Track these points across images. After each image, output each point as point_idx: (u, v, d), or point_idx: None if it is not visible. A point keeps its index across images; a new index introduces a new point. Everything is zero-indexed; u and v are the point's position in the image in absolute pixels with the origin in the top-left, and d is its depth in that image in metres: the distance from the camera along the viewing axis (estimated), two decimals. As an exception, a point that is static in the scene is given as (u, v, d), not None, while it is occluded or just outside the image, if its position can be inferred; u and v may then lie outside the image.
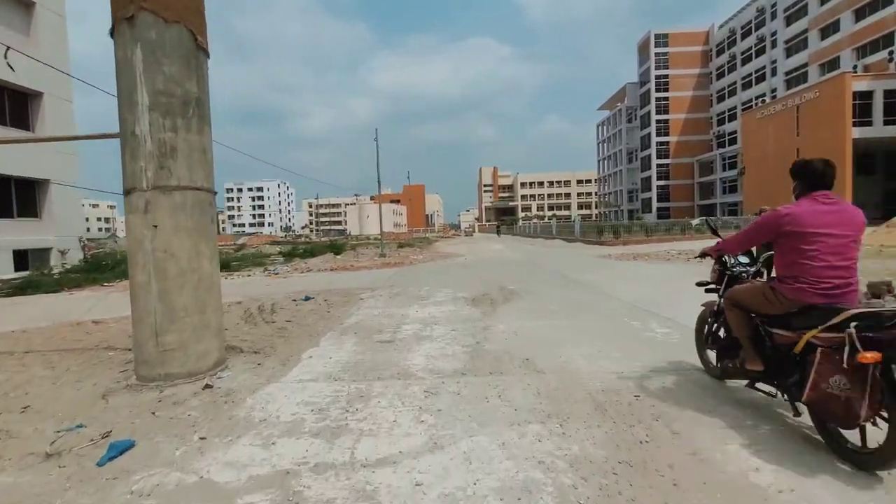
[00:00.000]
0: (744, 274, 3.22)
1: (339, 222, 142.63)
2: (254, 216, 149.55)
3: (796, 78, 46.22)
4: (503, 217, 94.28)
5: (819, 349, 2.19)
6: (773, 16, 51.61)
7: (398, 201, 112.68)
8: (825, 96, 32.53)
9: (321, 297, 8.25)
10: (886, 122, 30.94)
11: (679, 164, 66.89)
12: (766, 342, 2.66)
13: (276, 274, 13.65)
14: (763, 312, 2.67)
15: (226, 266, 16.46)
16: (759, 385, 2.82)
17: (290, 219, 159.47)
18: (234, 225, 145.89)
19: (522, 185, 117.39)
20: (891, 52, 34.86)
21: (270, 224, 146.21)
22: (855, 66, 35.60)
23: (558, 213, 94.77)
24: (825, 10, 41.81)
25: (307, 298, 7.90)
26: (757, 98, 55.81)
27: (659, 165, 67.45)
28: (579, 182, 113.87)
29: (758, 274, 3.27)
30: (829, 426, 2.30)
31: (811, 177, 2.58)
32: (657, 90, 66.68)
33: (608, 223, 23.97)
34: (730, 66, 61.56)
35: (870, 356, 1.94)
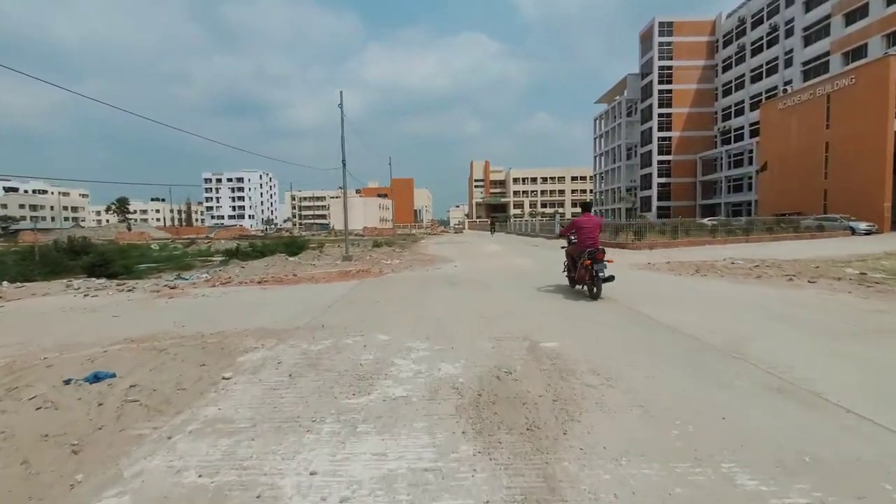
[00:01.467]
0: (571, 238, 8.23)
1: (323, 216, 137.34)
2: (234, 208, 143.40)
3: (815, 68, 42.71)
4: (495, 214, 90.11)
5: (581, 262, 7.46)
6: (790, 2, 48.05)
7: (385, 195, 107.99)
8: (863, 83, 28.83)
9: (139, 368, 3.91)
10: (932, 114, 27.39)
11: (681, 160, 63.42)
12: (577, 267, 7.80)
13: (174, 288, 9.27)
14: (574, 255, 7.86)
15: (128, 272, 12.05)
16: (579, 287, 8.08)
17: (272, 211, 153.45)
18: (213, 217, 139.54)
19: (515, 180, 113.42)
20: (930, 38, 31.37)
21: (251, 217, 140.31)
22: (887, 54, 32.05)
23: (553, 210, 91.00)
24: (852, -7, 38.27)
25: (96, 378, 3.53)
26: (767, 92, 52.37)
27: (660, 162, 63.90)
28: (574, 179, 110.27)
29: (570, 242, 8.27)
30: (580, 287, 8.03)
31: (584, 208, 8.14)
32: (660, 82, 62.99)
33: (628, 222, 19.84)
34: (738, 58, 58.06)
35: (588, 262, 7.31)
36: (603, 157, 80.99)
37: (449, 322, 5.62)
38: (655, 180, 64.05)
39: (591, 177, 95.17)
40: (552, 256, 15.00)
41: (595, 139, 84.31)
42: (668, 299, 6.89)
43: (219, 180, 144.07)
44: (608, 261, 7.17)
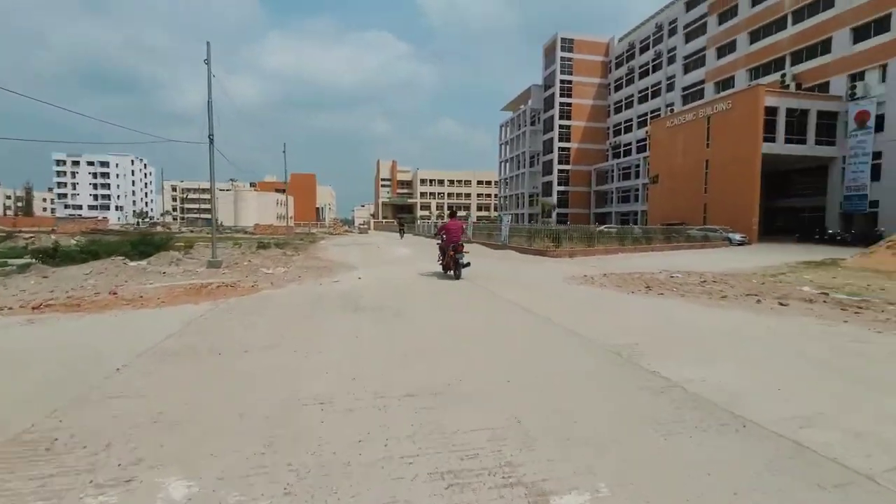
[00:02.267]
0: (442, 237, 10.89)
1: (210, 210, 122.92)
2: (95, 197, 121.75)
3: (693, 94, 47.51)
4: (402, 214, 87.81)
5: (448, 253, 10.51)
6: (672, 32, 53.12)
7: (284, 191, 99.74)
8: (737, 109, 32.03)
9: None
10: (787, 140, 31.28)
11: (578, 171, 67.24)
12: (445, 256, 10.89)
13: None
14: (444, 248, 10.75)
15: None
16: (449, 272, 10.63)
17: (146, 203, 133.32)
18: (67, 207, 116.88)
19: (423, 181, 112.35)
20: (783, 76, 36.11)
21: (119, 208, 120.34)
22: (782, 76, 36.22)
23: (459, 213, 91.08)
24: (722, 30, 43.08)
25: None
26: (652, 112, 57.48)
27: (560, 171, 67.09)
28: (479, 183, 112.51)
29: (441, 239, 11.02)
30: (450, 272, 10.59)
31: (451, 215, 11.67)
32: (561, 95, 66.17)
33: (546, 227, 18.93)
34: (628, 79, 63.09)
35: (451, 252, 10.41)
36: (508, 164, 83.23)
37: (338, 420, 3.01)
38: (556, 188, 67.07)
39: (496, 181, 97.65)
40: (479, 266, 13.15)
41: (501, 145, 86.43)
42: (686, 346, 4.81)
43: (76, 163, 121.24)
44: (466, 251, 10.83)
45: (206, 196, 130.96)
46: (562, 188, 67.18)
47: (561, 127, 66.56)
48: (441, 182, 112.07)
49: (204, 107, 13.36)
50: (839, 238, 28.91)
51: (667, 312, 6.35)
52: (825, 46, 33.72)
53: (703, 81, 45.79)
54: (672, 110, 49.16)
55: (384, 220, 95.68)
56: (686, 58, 48.90)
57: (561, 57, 65.69)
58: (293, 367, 4.07)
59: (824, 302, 6.78)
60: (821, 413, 3.05)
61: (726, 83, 42.71)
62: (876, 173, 30.11)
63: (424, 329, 5.44)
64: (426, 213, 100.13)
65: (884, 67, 29.85)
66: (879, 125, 29.78)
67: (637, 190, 56.45)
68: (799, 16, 35.83)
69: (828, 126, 32.14)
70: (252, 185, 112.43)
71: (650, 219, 40.11)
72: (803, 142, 31.78)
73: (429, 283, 9.83)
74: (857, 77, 31.50)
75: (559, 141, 66.55)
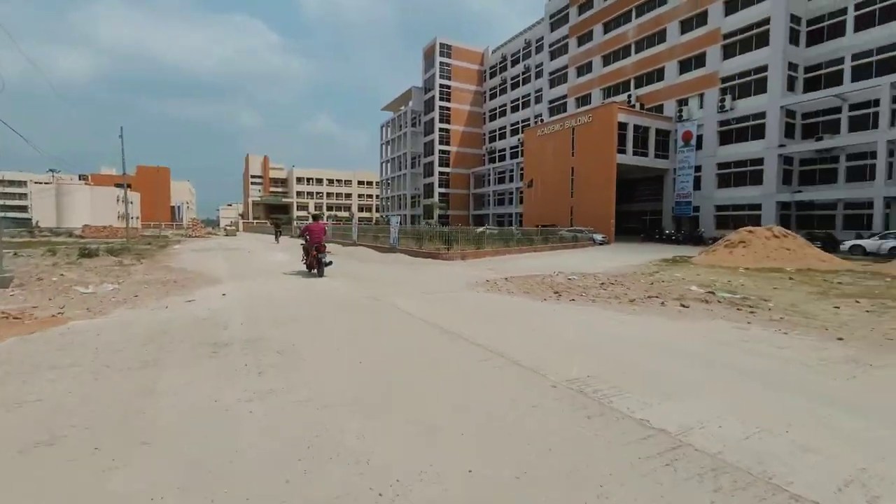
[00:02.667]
0: (306, 238, 11.77)
1: (23, 207, 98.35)
2: None
3: (558, 107, 52.11)
4: (277, 215, 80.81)
5: (311, 253, 11.54)
6: (539, 49, 57.69)
7: (129, 185, 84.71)
8: (596, 122, 35.72)
9: None
10: (634, 153, 35.86)
11: (458, 174, 69.29)
12: (308, 256, 11.89)
13: None
14: (308, 248, 11.76)
15: None
16: (313, 271, 11.72)
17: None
18: None
19: (299, 180, 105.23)
20: (629, 97, 41.48)
21: None
22: (629, 97, 40.99)
23: (339, 214, 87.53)
24: (581, 52, 48.02)
25: None
26: (523, 122, 61.87)
27: (441, 173, 68.36)
28: (361, 183, 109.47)
29: (305, 240, 12.03)
30: (313, 271, 11.67)
31: (314, 218, 12.45)
32: (441, 99, 67.46)
33: (437, 229, 18.36)
34: (501, 89, 66.93)
35: (315, 252, 11.44)
36: (390, 164, 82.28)
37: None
38: (437, 190, 68.14)
39: (377, 182, 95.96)
40: (358, 271, 11.78)
41: (382, 145, 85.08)
42: (639, 372, 4.16)
43: None
44: (328, 252, 11.89)
45: (18, 191, 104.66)
46: (443, 190, 68.51)
47: (441, 130, 67.86)
48: (319, 181, 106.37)
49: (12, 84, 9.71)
50: (674, 238, 34.04)
51: (591, 324, 5.94)
52: (659, 74, 39.59)
53: (566, 96, 50.46)
54: (541, 121, 53.32)
55: (255, 222, 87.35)
56: (551, 74, 53.44)
57: (440, 62, 66.97)
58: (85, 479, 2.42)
59: (719, 302, 7.19)
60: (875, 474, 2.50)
61: (585, 99, 47.68)
62: (697, 184, 36.20)
63: (324, 379, 3.90)
64: (304, 213, 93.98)
65: (702, 96, 36.03)
66: (700, 144, 35.88)
67: (512, 193, 60.07)
68: (640, 46, 41.52)
69: (663, 142, 37.73)
70: (83, 177, 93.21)
71: (525, 220, 42.77)
72: (646, 154, 36.78)
73: (320, 297, 8.30)
74: (683, 102, 37.53)
75: (440, 144, 67.76)
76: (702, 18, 35.98)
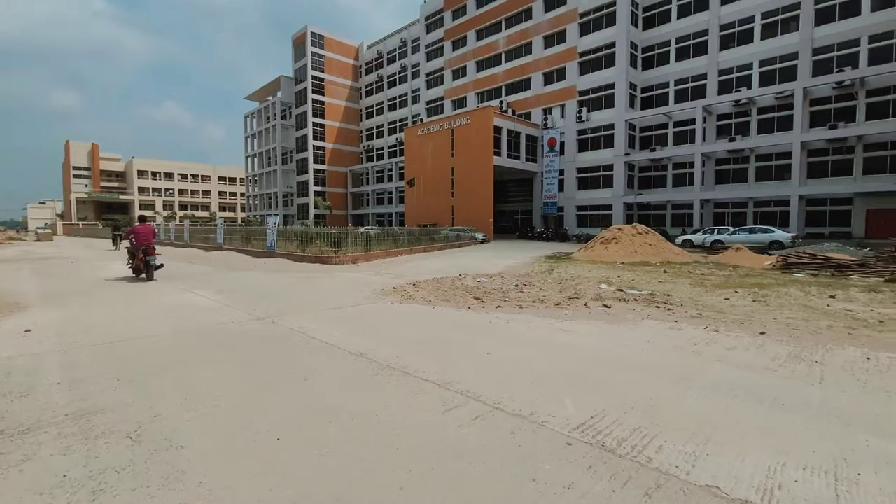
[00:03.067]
0: (132, 241, 11.28)
1: None
2: None
3: (436, 108, 53.01)
4: (112, 216, 67.54)
5: (138, 255, 11.15)
6: (416, 49, 58.02)
7: None
8: (475, 124, 37.02)
9: None
10: (508, 156, 38.12)
11: (335, 171, 66.27)
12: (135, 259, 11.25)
13: None
14: (135, 251, 11.16)
15: None
16: (141, 275, 11.23)
17: None
18: None
19: (141, 173, 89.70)
20: (501, 102, 44.02)
21: None
22: (500, 103, 42.86)
23: (197, 214, 77.12)
24: (456, 56, 49.49)
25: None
26: (400, 120, 61.71)
27: (316, 171, 64.61)
28: (222, 179, 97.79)
29: (131, 242, 11.55)
30: (141, 275, 11.16)
31: (141, 220, 11.78)
32: (314, 91, 63.68)
33: (324, 230, 16.62)
34: (377, 87, 65.80)
35: (142, 255, 10.88)
36: (257, 159, 75.03)
37: None
38: (312, 188, 64.24)
39: (242, 179, 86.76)
40: (257, 285, 9.86)
41: (247, 138, 77.15)
42: (636, 404, 3.44)
43: None
44: (158, 254, 11.39)
45: None
46: (318, 188, 64.83)
47: (315, 125, 64.08)
48: (170, 176, 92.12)
49: None
50: (545, 235, 37.04)
51: (542, 340, 5.24)
52: (527, 84, 42.77)
53: (443, 98, 51.55)
54: (419, 120, 53.68)
55: (83, 223, 72.02)
56: (428, 75, 54.14)
57: (312, 52, 63.11)
58: None
59: (635, 300, 7.42)
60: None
61: (461, 102, 49.28)
62: (561, 186, 40.00)
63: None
64: (150, 213, 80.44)
65: (563, 106, 39.86)
66: (563, 149, 39.66)
67: (391, 193, 59.46)
68: (509, 56, 44.32)
69: (533, 147, 40.84)
70: None
71: (407, 220, 42.51)
72: (518, 158, 39.37)
73: (193, 325, 6.10)
74: (548, 111, 41.09)
75: (314, 139, 63.93)
76: (561, 36, 39.79)
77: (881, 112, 26.98)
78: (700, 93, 33.92)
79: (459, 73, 49.44)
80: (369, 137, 67.79)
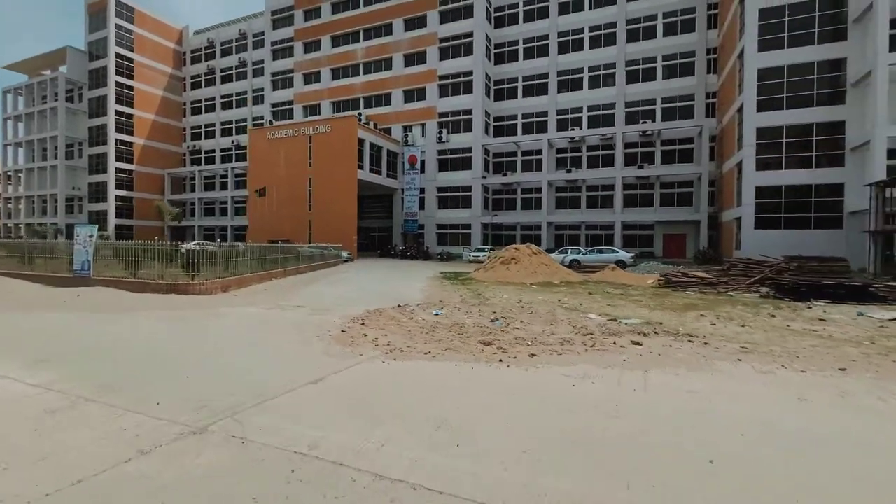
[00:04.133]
0: None
1: None
2: None
3: (283, 111, 48.08)
4: None
5: None
6: (259, 45, 52.04)
7: None
8: (336, 133, 34.40)
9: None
10: (371, 170, 36.53)
11: (147, 173, 54.42)
12: None
13: None
14: None
15: None
16: None
17: None
18: None
19: None
20: (360, 114, 42.23)
21: None
22: (359, 115, 40.30)
23: None
24: (308, 59, 45.89)
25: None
26: (237, 121, 54.35)
27: (120, 170, 51.99)
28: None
29: None
30: None
31: None
32: (119, 73, 51.46)
33: (162, 247, 12.20)
34: (207, 79, 56.89)
35: None
36: (22, 150, 56.58)
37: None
38: (113, 192, 51.44)
39: (-6, 174, 64.23)
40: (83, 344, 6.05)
41: (6, 120, 57.68)
42: None
43: None
44: None
45: None
46: (122, 192, 52.21)
47: (120, 114, 51.68)
48: None
49: None
50: (409, 254, 36.35)
51: (697, 412, 3.84)
52: (387, 99, 42.07)
53: (292, 102, 47.13)
54: (263, 123, 47.98)
55: None
56: (275, 74, 48.98)
57: (118, 24, 51.08)
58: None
59: (655, 333, 6.65)
60: None
61: (314, 109, 45.75)
62: (422, 204, 40.11)
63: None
64: None
65: (423, 125, 40.28)
66: (423, 168, 39.90)
67: (226, 203, 51.46)
68: (368, 68, 43.06)
69: (393, 163, 40.08)
70: None
71: (251, 235, 36.94)
72: (380, 173, 38.07)
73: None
74: (408, 129, 41.00)
75: (117, 132, 51.41)
76: (422, 57, 40.39)
77: (671, 158, 34.34)
78: (542, 127, 38.18)
79: (312, 77, 45.95)
80: (196, 137, 57.82)
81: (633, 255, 25.71)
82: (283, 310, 8.71)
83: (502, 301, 9.98)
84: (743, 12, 25.22)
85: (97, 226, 12.95)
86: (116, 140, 51.27)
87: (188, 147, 57.95)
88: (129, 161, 52.75)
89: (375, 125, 39.51)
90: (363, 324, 7.04)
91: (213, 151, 56.00)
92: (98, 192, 52.48)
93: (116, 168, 51.46)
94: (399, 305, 8.88)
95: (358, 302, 9.57)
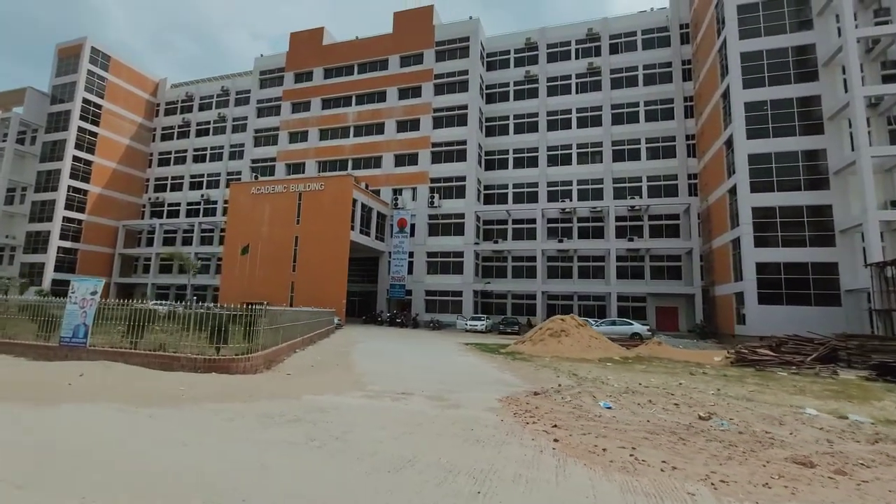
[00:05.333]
0: None
1: None
2: None
3: (264, 168, 46.42)
4: None
5: None
6: (243, 102, 51.28)
7: None
8: (330, 191, 33.00)
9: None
10: (361, 231, 34.96)
11: (100, 224, 49.62)
12: None
13: None
14: None
15: None
16: None
17: None
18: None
19: None
20: (348, 176, 41.36)
21: None
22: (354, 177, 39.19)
23: None
24: (296, 119, 45.39)
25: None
26: (210, 175, 51.83)
27: (68, 219, 47.04)
28: None
29: None
30: None
31: None
32: (84, 118, 48.34)
33: (171, 307, 9.77)
34: (181, 132, 54.75)
35: None
36: (-49, 192, 50.27)
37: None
38: (56, 242, 46.07)
39: None
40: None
41: (-63, 159, 51.63)
42: None
43: None
44: None
45: None
46: (67, 244, 46.86)
47: (78, 160, 47.80)
48: None
49: None
50: (399, 321, 34.03)
51: None
52: (377, 162, 41.71)
53: (274, 159, 45.74)
54: (241, 178, 45.86)
55: None
56: (258, 131, 47.84)
57: (90, 70, 48.89)
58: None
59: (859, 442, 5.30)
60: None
61: (298, 167, 44.50)
62: (410, 269, 38.52)
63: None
64: None
65: (415, 190, 39.84)
66: (413, 232, 38.84)
67: (182, 261, 47.18)
68: (359, 131, 43.03)
69: (382, 225, 38.80)
70: None
71: (223, 297, 33.40)
72: (369, 235, 36.55)
73: None
74: (398, 192, 40.39)
75: (72, 178, 47.20)
76: (415, 124, 40.96)
77: (658, 233, 35.48)
78: (533, 197, 38.80)
79: (299, 136, 45.21)
80: (160, 189, 54.29)
81: (649, 327, 25.10)
82: (393, 399, 6.63)
83: (620, 386, 8.44)
84: (728, 105, 27.50)
85: (103, 280, 10.33)
86: (70, 187, 46.89)
87: (150, 199, 54.10)
88: (81, 210, 48.05)
89: (367, 186, 38.60)
90: (555, 426, 5.23)
91: (179, 205, 52.49)
92: (36, 243, 46.82)
93: (64, 217, 46.55)
94: (536, 393, 7.09)
95: (439, 384, 7.65)
